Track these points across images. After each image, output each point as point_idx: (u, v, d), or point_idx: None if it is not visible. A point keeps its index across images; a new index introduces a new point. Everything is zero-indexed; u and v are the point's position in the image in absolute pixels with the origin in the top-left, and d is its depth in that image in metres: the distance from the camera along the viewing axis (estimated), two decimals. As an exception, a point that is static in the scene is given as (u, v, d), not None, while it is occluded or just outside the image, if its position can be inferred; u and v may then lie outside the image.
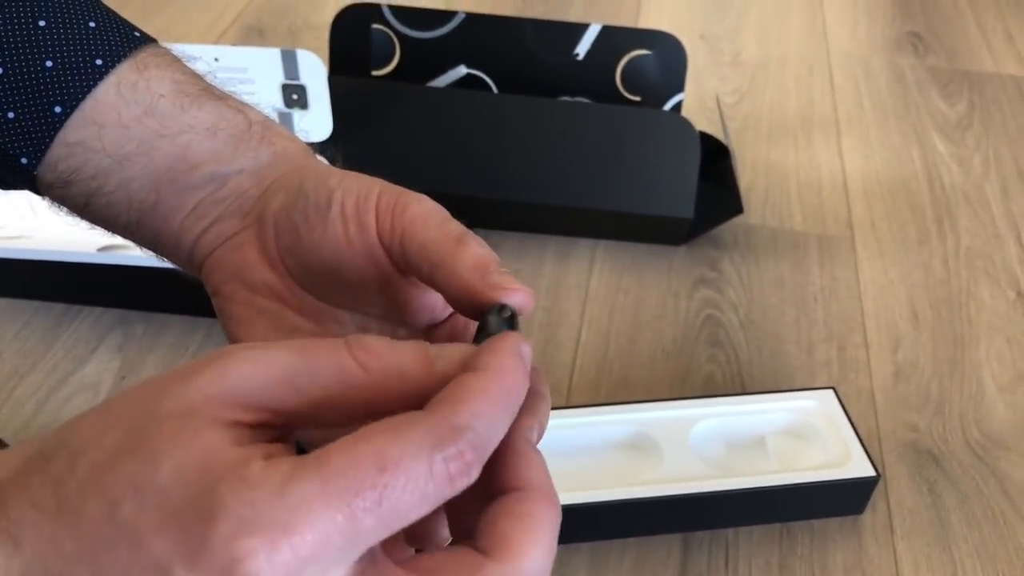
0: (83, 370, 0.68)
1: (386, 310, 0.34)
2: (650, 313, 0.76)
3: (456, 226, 0.31)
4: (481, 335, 0.29)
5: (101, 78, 0.34)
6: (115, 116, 0.34)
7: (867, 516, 0.62)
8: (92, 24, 0.34)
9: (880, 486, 0.63)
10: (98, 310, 0.72)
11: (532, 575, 0.23)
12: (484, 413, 0.23)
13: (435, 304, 0.34)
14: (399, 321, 0.34)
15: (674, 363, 0.72)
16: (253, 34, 1.08)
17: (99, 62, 0.34)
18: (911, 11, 1.22)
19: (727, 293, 0.78)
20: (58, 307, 0.72)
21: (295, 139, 0.37)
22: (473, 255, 0.30)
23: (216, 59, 0.74)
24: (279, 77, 0.76)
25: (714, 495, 0.58)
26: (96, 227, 0.37)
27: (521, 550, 0.23)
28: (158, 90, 0.34)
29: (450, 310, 0.34)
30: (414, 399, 0.24)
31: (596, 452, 0.62)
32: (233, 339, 0.34)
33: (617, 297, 0.77)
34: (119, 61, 0.34)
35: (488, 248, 0.31)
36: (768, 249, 0.83)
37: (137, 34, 0.36)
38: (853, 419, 0.64)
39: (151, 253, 0.37)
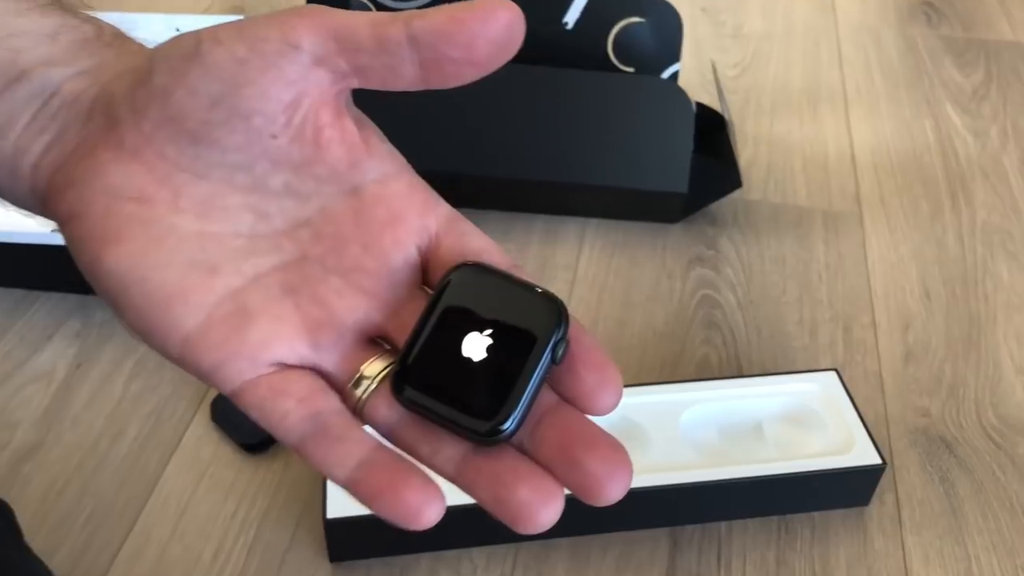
0: (38, 358, 0.64)
1: (293, 160, 0.29)
2: (642, 294, 0.72)
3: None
4: None
5: None
6: None
7: (873, 508, 0.57)
8: None
9: (888, 475, 0.59)
10: (56, 296, 0.69)
11: None
12: None
13: (355, 141, 0.30)
14: (307, 190, 0.29)
15: (666, 346, 0.67)
16: (235, 13, 1.04)
17: None
18: (924, -19, 1.17)
19: (725, 272, 0.74)
20: (17, 293, 0.69)
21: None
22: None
23: (177, 29, 0.70)
24: (247, 48, 0.72)
25: (705, 486, 0.54)
26: None
27: None
28: None
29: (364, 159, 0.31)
30: None
31: (578, 440, 0.57)
32: (92, 273, 0.28)
33: (607, 278, 0.73)
34: None
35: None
36: (770, 226, 0.78)
37: None
38: (859, 404, 0.59)
39: None
